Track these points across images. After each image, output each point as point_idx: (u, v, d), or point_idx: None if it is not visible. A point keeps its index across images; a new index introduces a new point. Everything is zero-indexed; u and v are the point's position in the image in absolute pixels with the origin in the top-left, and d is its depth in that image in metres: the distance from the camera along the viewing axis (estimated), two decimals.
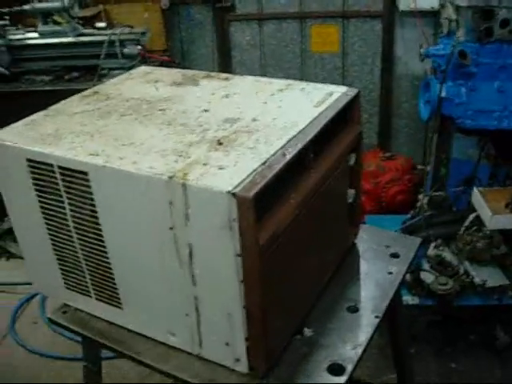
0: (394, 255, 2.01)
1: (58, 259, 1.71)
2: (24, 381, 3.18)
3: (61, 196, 1.54)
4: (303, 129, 1.52)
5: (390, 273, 1.92)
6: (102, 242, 1.54)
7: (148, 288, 1.55)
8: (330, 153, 1.65)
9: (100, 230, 1.52)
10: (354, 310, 1.77)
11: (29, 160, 1.54)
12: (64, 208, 1.56)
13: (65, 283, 1.76)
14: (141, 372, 3.10)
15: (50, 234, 1.67)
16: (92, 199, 1.48)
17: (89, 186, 1.46)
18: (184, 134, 1.51)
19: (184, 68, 4.22)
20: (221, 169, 1.32)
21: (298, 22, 4.29)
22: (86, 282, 1.69)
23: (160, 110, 1.70)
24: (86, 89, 3.12)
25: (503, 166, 3.61)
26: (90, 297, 1.72)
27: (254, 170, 1.30)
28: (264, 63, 4.43)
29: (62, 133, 1.60)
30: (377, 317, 1.74)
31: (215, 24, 4.38)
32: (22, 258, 3.97)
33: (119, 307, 1.66)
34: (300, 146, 1.44)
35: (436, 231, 3.41)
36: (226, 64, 4.46)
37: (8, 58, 3.65)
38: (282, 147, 1.42)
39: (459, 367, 3.16)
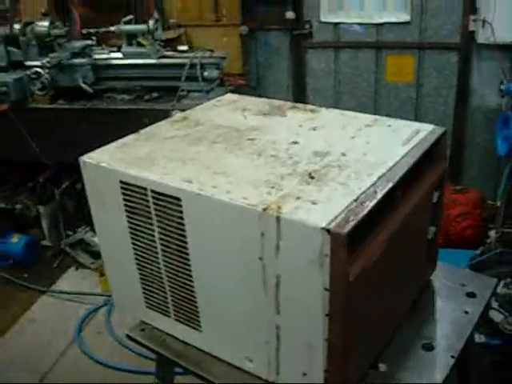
0: (470, 294, 1.98)
1: (142, 279, 1.77)
2: None
3: (151, 218, 1.60)
4: (392, 166, 1.53)
5: (466, 312, 1.89)
6: (188, 265, 1.59)
7: (229, 313, 1.58)
8: (417, 190, 1.65)
9: (187, 253, 1.57)
10: (430, 348, 1.75)
11: (122, 182, 1.61)
12: (153, 230, 1.62)
13: (146, 302, 1.82)
14: None
15: (135, 254, 1.72)
16: (182, 224, 1.52)
17: (180, 212, 1.51)
18: (275, 166, 1.55)
19: (258, 92, 4.31)
20: (314, 204, 1.34)
21: (373, 51, 4.31)
22: (167, 303, 1.74)
23: (249, 139, 1.74)
24: (166, 110, 3.24)
25: None
26: (170, 317, 1.77)
27: (347, 207, 1.32)
28: (338, 90, 4.46)
29: (154, 157, 1.66)
30: (452, 356, 1.71)
31: (291, 50, 4.44)
32: (90, 268, 4.17)
33: (198, 330, 1.70)
34: (390, 184, 1.45)
35: (506, 269, 3.34)
36: (300, 90, 4.51)
37: (92, 76, 3.80)
38: (372, 184, 1.43)
39: None
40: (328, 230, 1.25)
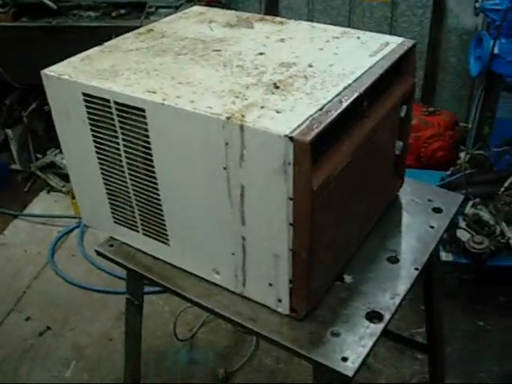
0: (436, 210, 2.01)
1: (108, 193, 1.76)
2: (64, 308, 3.30)
3: (115, 131, 1.57)
4: (359, 77, 1.51)
5: (432, 227, 1.93)
6: (154, 178, 1.57)
7: (196, 225, 1.59)
8: (384, 103, 1.64)
9: (152, 166, 1.55)
10: (394, 260, 1.79)
11: (85, 94, 1.57)
12: (118, 143, 1.59)
13: (113, 217, 1.81)
14: (174, 310, 3.20)
15: (101, 169, 1.71)
16: (147, 136, 1.50)
17: (145, 123, 1.48)
18: (240, 76, 1.52)
19: (230, 9, 4.18)
20: (278, 112, 1.33)
21: None
22: (135, 217, 1.74)
23: (215, 50, 1.70)
24: (133, 26, 3.12)
25: None
26: (138, 231, 1.77)
27: (311, 116, 1.31)
28: (311, 9, 4.35)
29: (118, 69, 1.61)
30: (416, 269, 1.75)
31: None
32: (61, 191, 4.13)
33: (166, 243, 1.71)
34: (356, 93, 1.43)
35: (475, 190, 3.39)
36: (272, 7, 4.38)
37: None
38: (338, 94, 1.42)
39: (486, 326, 3.19)
40: (291, 138, 1.23)
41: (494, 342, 3.09)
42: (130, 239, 1.83)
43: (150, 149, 1.53)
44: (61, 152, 4.12)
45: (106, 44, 1.82)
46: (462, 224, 3.28)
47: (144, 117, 1.47)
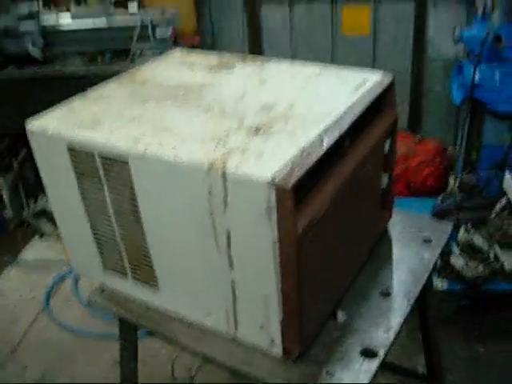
0: (427, 240, 2.02)
1: (97, 242, 1.75)
2: (61, 355, 3.26)
3: (101, 182, 1.58)
4: (340, 116, 1.52)
5: (423, 258, 1.93)
6: (141, 226, 1.58)
7: (185, 270, 1.59)
8: (366, 140, 1.66)
9: (139, 214, 1.56)
10: (386, 294, 1.79)
11: (69, 147, 1.58)
12: (103, 193, 1.60)
13: (103, 264, 1.81)
14: (171, 352, 3.17)
15: (89, 219, 1.71)
16: (132, 185, 1.51)
17: (129, 173, 1.49)
18: (221, 121, 1.53)
19: (214, 50, 4.25)
20: (259, 157, 1.33)
21: (329, 3, 4.23)
22: (124, 264, 1.73)
23: (197, 95, 1.72)
24: (119, 71, 3.16)
25: None
26: (127, 278, 1.76)
27: (292, 159, 1.32)
28: (294, 45, 4.42)
29: (100, 119, 1.62)
30: (409, 301, 1.75)
31: (246, 6, 4.35)
32: (54, 237, 4.12)
33: (156, 289, 1.70)
34: (337, 133, 1.45)
35: (466, 215, 3.39)
36: (256, 46, 4.44)
37: (41, 41, 3.69)
38: (319, 135, 1.43)
39: (486, 351, 3.17)
40: (273, 183, 1.24)
41: (494, 367, 3.06)
42: (121, 285, 1.82)
43: (135, 198, 1.53)
44: None
45: (89, 92, 1.83)
46: (456, 250, 3.28)
47: (128, 166, 1.48)
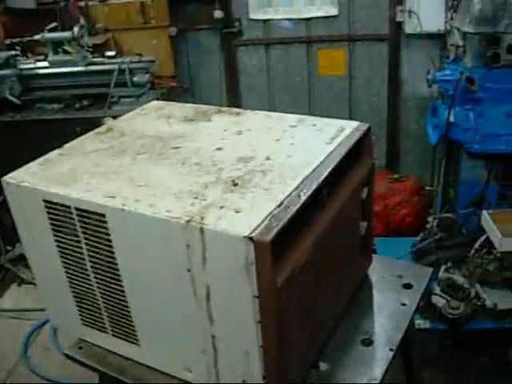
0: (407, 286, 2.01)
1: (75, 296, 1.73)
2: None
3: (78, 236, 1.56)
4: (317, 167, 1.54)
5: (404, 304, 1.93)
6: (120, 281, 1.56)
7: (165, 326, 1.56)
8: (344, 189, 1.67)
9: (117, 269, 1.54)
10: (369, 343, 1.77)
11: (46, 201, 1.57)
12: (81, 248, 1.58)
13: (81, 319, 1.78)
14: None
15: (66, 272, 1.68)
16: (109, 240, 1.50)
17: (106, 228, 1.48)
18: (199, 175, 1.53)
19: (192, 92, 4.29)
20: (237, 212, 1.34)
21: (304, 46, 4.32)
22: (103, 319, 1.71)
23: (174, 148, 1.72)
24: (97, 117, 3.19)
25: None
26: (107, 333, 1.73)
27: (270, 213, 1.32)
28: (271, 87, 4.47)
29: (77, 173, 1.62)
30: (391, 350, 1.74)
31: (223, 49, 4.42)
32: (33, 283, 4.05)
33: (136, 344, 1.67)
34: (315, 185, 1.45)
35: (446, 254, 3.42)
36: (233, 89, 4.49)
37: (19, 88, 3.70)
38: (296, 187, 1.44)
39: None
40: (251, 239, 1.24)
41: None
42: (100, 340, 1.79)
43: (113, 252, 1.52)
44: None
45: (66, 146, 1.83)
46: (437, 289, 3.29)
47: (105, 222, 1.47)
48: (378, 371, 1.67)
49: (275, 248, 1.26)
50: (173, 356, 1.63)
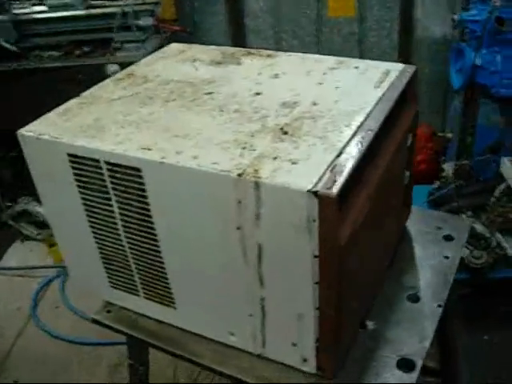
0: (448, 237, 1.92)
1: (103, 257, 1.61)
2: (53, 366, 3.10)
3: (107, 193, 1.43)
4: (369, 113, 1.40)
5: (446, 257, 1.83)
6: (156, 240, 1.43)
7: (206, 288, 1.45)
8: (393, 136, 1.53)
9: (153, 228, 1.41)
10: (415, 299, 1.68)
11: (70, 155, 1.42)
12: (111, 206, 1.45)
13: (109, 282, 1.67)
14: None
15: (93, 233, 1.56)
16: (145, 196, 1.36)
17: (141, 183, 1.34)
18: (241, 122, 1.39)
19: (195, 37, 4.08)
20: (294, 163, 1.20)
21: None
22: (135, 281, 1.59)
23: (207, 93, 1.57)
24: (101, 64, 3.00)
25: None
26: (139, 296, 1.62)
27: (331, 164, 1.19)
28: (278, 30, 4.25)
29: (103, 123, 1.47)
30: (439, 305, 1.66)
31: None
32: (37, 240, 3.93)
33: (172, 306, 1.57)
34: (372, 134, 1.32)
35: (465, 202, 3.32)
36: (238, 33, 4.27)
37: (15, 34, 3.47)
38: (353, 135, 1.30)
39: (493, 339, 3.11)
40: (315, 193, 1.11)
41: (502, 354, 3.00)
42: (131, 304, 1.68)
43: (148, 210, 1.38)
44: (34, 199, 3.93)
45: (84, 94, 1.67)
46: None
47: (140, 177, 1.33)
48: (429, 329, 1.58)
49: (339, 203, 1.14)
50: (213, 319, 1.52)
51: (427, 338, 1.55)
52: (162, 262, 1.47)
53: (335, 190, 1.12)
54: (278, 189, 1.15)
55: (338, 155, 1.23)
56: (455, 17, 2.93)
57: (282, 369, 1.48)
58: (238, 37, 4.26)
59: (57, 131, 1.46)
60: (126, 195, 1.40)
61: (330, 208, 1.12)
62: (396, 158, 1.55)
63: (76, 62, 3.41)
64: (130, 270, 1.57)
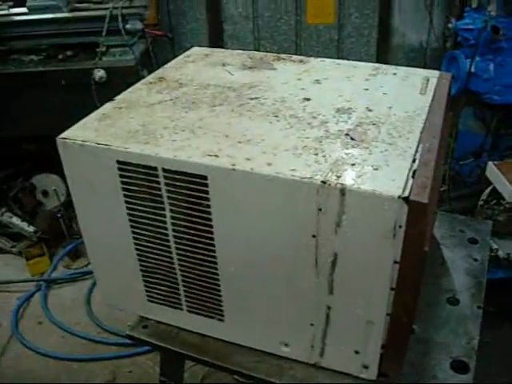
0: (472, 240, 1.95)
1: (143, 271, 1.54)
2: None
3: (161, 202, 1.37)
4: (426, 119, 1.40)
5: (475, 259, 1.86)
6: (212, 251, 1.38)
7: (262, 299, 1.41)
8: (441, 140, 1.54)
9: (211, 238, 1.36)
10: (455, 302, 1.71)
11: (120, 162, 1.36)
12: (163, 216, 1.39)
13: (148, 296, 1.60)
14: None
15: (136, 244, 1.49)
16: (207, 206, 1.31)
17: (205, 192, 1.29)
18: (303, 128, 1.36)
19: (174, 41, 4.02)
20: (375, 169, 1.19)
21: None
22: (179, 295, 1.53)
23: (253, 98, 1.54)
24: (87, 69, 2.90)
25: (505, 136, 3.63)
26: (181, 309, 1.56)
27: (410, 170, 1.18)
28: (258, 36, 4.23)
29: (152, 129, 1.41)
30: (479, 307, 1.69)
31: None
32: (11, 253, 3.75)
33: (220, 319, 1.52)
34: (436, 139, 1.32)
35: (454, 206, 3.39)
36: (217, 38, 4.22)
37: None
38: (419, 141, 1.30)
39: (483, 339, 3.16)
40: (406, 199, 1.10)
41: (493, 354, 3.06)
42: (170, 318, 1.62)
43: (209, 219, 1.33)
44: (8, 210, 3.77)
45: (118, 99, 1.61)
46: None
47: (205, 185, 1.28)
48: (474, 330, 1.61)
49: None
50: (265, 331, 1.49)
51: (474, 339, 1.57)
52: (217, 274, 1.42)
53: (425, 196, 1.11)
54: (365, 195, 1.13)
55: (413, 161, 1.22)
56: (450, 25, 2.98)
57: (337, 376, 1.45)
58: (216, 42, 4.21)
59: (102, 137, 1.39)
60: (182, 203, 1.35)
61: (419, 214, 1.11)
62: (439, 161, 1.56)
63: (60, 66, 3.27)
64: (175, 283, 1.51)
